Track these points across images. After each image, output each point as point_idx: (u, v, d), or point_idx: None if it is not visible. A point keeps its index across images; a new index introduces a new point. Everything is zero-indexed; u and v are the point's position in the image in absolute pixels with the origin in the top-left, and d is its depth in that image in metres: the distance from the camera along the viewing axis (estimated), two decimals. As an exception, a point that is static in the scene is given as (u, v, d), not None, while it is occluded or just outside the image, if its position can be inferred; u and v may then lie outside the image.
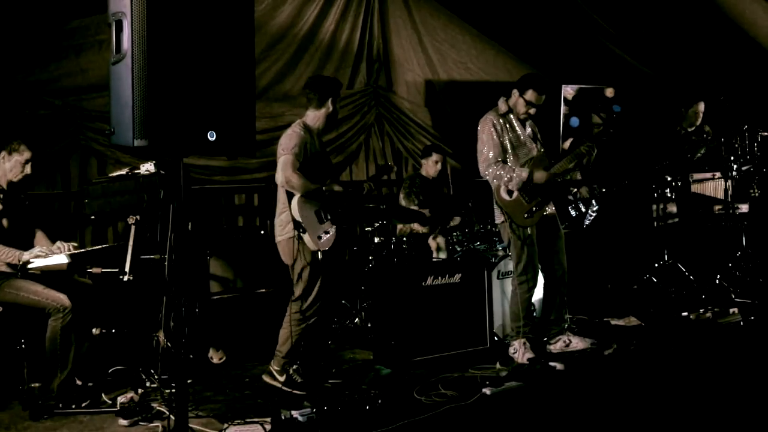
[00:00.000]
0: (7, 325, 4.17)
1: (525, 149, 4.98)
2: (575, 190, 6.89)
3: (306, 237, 4.29)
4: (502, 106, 5.00)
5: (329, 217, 4.39)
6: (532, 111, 4.95)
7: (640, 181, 6.91)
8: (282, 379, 4.38)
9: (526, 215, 4.86)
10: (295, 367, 4.42)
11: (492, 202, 5.08)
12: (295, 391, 4.31)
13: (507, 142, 4.93)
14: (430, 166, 6.55)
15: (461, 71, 8.03)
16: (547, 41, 7.85)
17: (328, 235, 4.35)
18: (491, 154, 4.88)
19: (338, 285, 4.65)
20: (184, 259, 3.02)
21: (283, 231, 4.39)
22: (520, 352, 4.86)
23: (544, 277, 5.12)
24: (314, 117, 4.54)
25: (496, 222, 5.11)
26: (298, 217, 4.29)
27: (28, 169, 4.30)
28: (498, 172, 4.85)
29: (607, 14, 7.16)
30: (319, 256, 4.33)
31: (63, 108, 5.75)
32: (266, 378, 4.46)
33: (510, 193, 4.86)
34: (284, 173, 4.27)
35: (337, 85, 4.65)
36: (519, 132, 4.99)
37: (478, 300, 5.18)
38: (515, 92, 4.94)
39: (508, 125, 4.96)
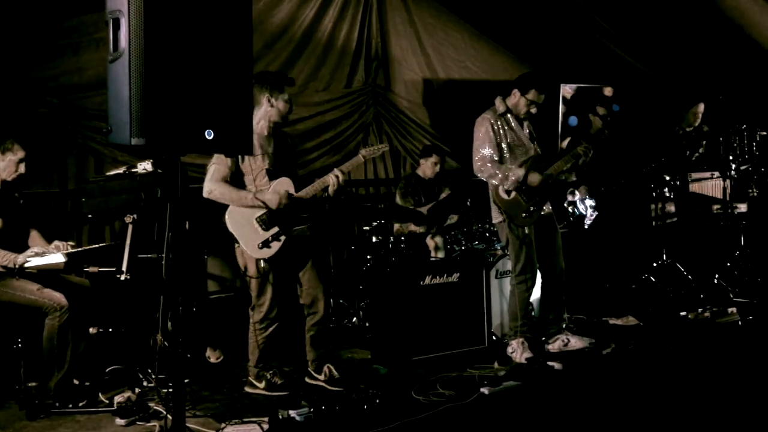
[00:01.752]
0: (3, 324, 4.16)
1: (523, 149, 4.97)
2: (573, 190, 6.89)
3: (243, 248, 4.19)
4: (499, 105, 4.98)
5: (274, 224, 4.24)
6: (533, 110, 4.94)
7: (639, 181, 6.91)
8: (262, 385, 4.35)
9: (524, 215, 4.85)
10: (272, 371, 4.39)
11: (489, 202, 5.07)
12: (278, 393, 4.28)
13: (504, 141, 4.92)
14: (429, 167, 6.54)
15: (460, 70, 8.02)
16: (546, 40, 7.85)
17: (273, 242, 4.20)
18: (486, 154, 4.87)
19: (301, 288, 4.45)
20: (181, 258, 3.01)
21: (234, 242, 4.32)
22: (518, 351, 4.86)
23: (542, 277, 5.11)
24: (254, 117, 4.25)
25: (493, 222, 5.10)
26: (231, 229, 4.18)
27: (22, 169, 4.28)
28: (493, 172, 4.84)
29: (606, 13, 7.16)
30: (262, 264, 4.20)
31: (60, 106, 5.73)
32: (248, 389, 4.41)
33: (508, 192, 4.85)
34: (207, 184, 4.14)
35: (272, 79, 4.29)
36: (517, 131, 4.98)
37: (477, 299, 5.17)
38: (516, 92, 4.92)
39: (505, 125, 4.95)
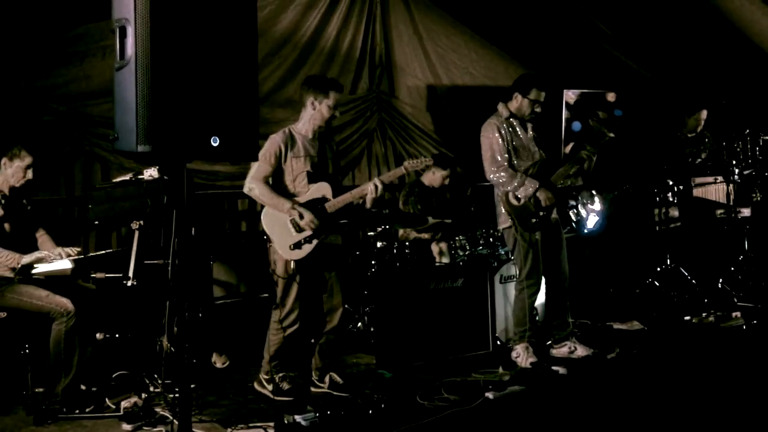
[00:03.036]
0: (11, 330, 4.18)
1: (528, 152, 4.98)
2: (576, 194, 6.89)
3: (275, 247, 4.24)
4: (503, 110, 5.00)
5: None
6: (538, 109, 4.96)
7: (642, 186, 6.91)
8: (270, 387, 4.37)
9: (533, 220, 4.85)
10: (282, 374, 4.41)
11: (494, 206, 5.08)
12: (282, 399, 4.30)
13: (510, 145, 4.94)
14: (438, 179, 6.42)
15: (463, 76, 8.04)
16: (549, 46, 7.86)
17: (305, 244, 4.22)
18: (497, 159, 4.88)
19: (326, 293, 4.46)
20: (187, 264, 3.03)
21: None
22: (522, 356, 4.86)
23: (547, 282, 5.11)
24: (301, 119, 4.37)
25: (500, 227, 5.08)
26: (264, 227, 4.25)
27: (29, 174, 4.32)
28: (506, 179, 4.84)
29: (608, 19, 7.17)
30: (292, 265, 4.23)
31: (67, 114, 5.76)
32: (256, 386, 4.45)
33: (518, 198, 4.85)
34: (248, 181, 4.23)
35: (319, 82, 4.34)
36: (521, 135, 5.00)
37: (481, 304, 5.19)
38: (517, 95, 4.94)
39: (510, 129, 4.97)
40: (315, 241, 4.26)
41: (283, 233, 4.25)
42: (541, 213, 4.86)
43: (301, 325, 4.37)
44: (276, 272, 4.31)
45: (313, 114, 4.31)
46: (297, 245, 4.23)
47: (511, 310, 5.30)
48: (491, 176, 4.93)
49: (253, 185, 4.23)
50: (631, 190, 6.99)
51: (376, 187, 4.28)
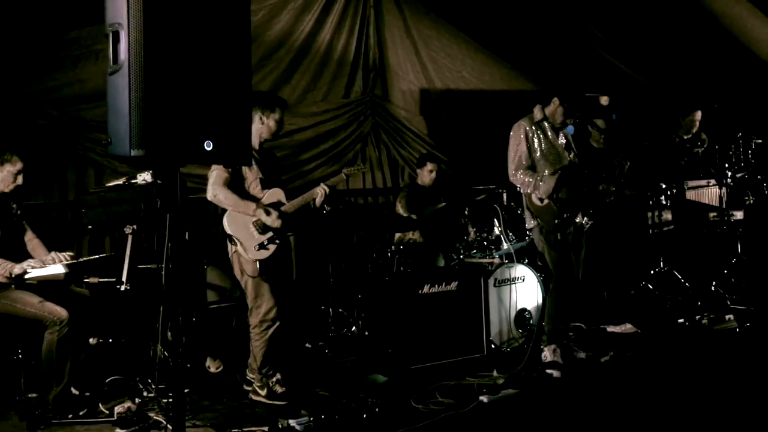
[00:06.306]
0: (3, 335, 4.17)
1: (557, 157, 4.99)
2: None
3: (241, 249, 4.31)
4: (537, 113, 5.03)
5: (269, 229, 4.38)
6: (569, 121, 5.01)
7: (636, 189, 6.93)
8: (264, 393, 4.39)
9: (557, 221, 4.87)
10: (274, 378, 4.42)
11: (488, 211, 5.08)
12: (276, 402, 4.31)
13: (538, 148, 4.96)
14: (425, 175, 6.59)
15: (456, 80, 8.05)
16: (542, 50, 7.88)
17: (269, 244, 4.36)
18: (519, 160, 4.91)
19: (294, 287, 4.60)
20: (181, 268, 3.03)
21: (228, 248, 4.43)
22: (550, 359, 4.85)
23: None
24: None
25: (526, 227, 5.12)
26: (229, 231, 4.34)
27: (19, 180, 4.30)
28: (525, 179, 4.88)
29: (601, 23, 7.20)
30: (257, 264, 4.32)
31: (60, 118, 5.75)
32: (252, 395, 4.46)
33: (541, 199, 4.87)
34: (211, 188, 4.32)
35: (265, 99, 4.60)
36: (552, 139, 5.02)
37: (475, 308, 5.19)
38: (556, 100, 4.98)
39: (541, 132, 4.99)
40: (278, 241, 4.40)
41: (247, 235, 4.34)
42: (565, 214, 4.88)
43: (281, 322, 4.41)
44: (246, 273, 4.36)
45: (261, 128, 4.52)
46: (262, 246, 4.34)
47: (504, 313, 5.32)
48: (512, 176, 4.97)
49: (218, 191, 4.32)
50: (628, 194, 7.00)
51: (324, 191, 4.62)
